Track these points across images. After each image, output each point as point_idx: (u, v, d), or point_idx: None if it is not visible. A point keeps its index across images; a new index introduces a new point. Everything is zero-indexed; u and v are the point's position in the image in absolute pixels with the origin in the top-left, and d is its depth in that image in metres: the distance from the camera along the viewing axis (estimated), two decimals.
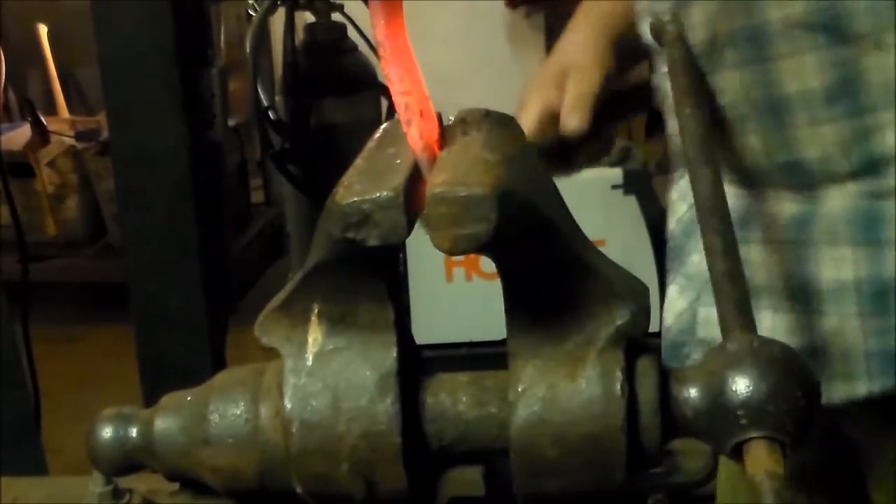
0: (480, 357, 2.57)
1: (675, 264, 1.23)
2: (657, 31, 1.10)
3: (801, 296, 1.12)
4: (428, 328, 2.55)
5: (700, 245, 1.15)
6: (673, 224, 1.24)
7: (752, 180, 1.14)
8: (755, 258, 1.14)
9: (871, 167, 1.07)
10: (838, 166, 1.08)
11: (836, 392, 1.11)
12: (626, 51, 1.32)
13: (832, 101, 1.05)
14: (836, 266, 1.11)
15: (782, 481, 0.63)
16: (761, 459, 0.64)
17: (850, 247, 1.10)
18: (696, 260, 1.19)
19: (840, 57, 1.03)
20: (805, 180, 1.11)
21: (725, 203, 0.91)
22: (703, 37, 1.08)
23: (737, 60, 1.07)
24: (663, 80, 1.23)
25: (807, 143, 1.08)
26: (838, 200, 1.11)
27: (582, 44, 1.28)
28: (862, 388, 1.11)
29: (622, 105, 1.39)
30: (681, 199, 1.23)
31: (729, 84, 1.09)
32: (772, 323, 1.13)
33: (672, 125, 1.21)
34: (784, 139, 1.10)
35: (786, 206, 1.13)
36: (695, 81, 1.02)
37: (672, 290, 1.23)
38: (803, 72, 1.05)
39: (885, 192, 1.08)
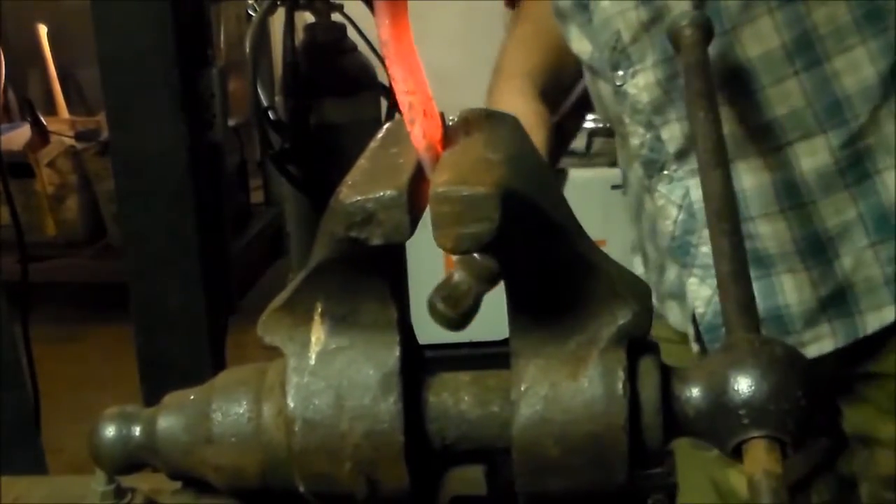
0: (481, 357, 2.57)
1: (687, 260, 1.31)
2: (674, 36, 1.11)
3: (814, 249, 1.25)
4: (429, 328, 2.55)
5: (706, 235, 1.22)
6: (670, 226, 1.31)
7: (734, 154, 1.20)
8: (762, 231, 1.25)
9: (835, 113, 1.20)
10: (805, 119, 1.20)
11: (871, 325, 1.27)
12: (556, 93, 1.44)
13: (791, 57, 1.18)
14: (837, 211, 1.23)
15: (780, 481, 0.64)
16: (761, 459, 0.65)
17: (845, 191, 1.23)
18: (705, 251, 1.28)
19: (794, 14, 1.17)
20: (777, 141, 1.23)
21: (736, 206, 0.93)
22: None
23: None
24: (595, 87, 1.38)
25: (775, 103, 1.21)
26: (812, 157, 1.22)
27: (521, 113, 1.36)
28: (890, 314, 1.26)
29: (565, 135, 1.52)
30: (669, 204, 1.31)
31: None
32: (794, 283, 1.26)
33: (633, 132, 1.32)
34: (754, 102, 1.22)
35: (766, 175, 1.24)
36: (709, 86, 1.03)
37: (692, 283, 1.31)
38: (762, 34, 1.18)
39: (855, 136, 1.21)
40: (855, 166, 1.22)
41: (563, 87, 1.47)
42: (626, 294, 0.68)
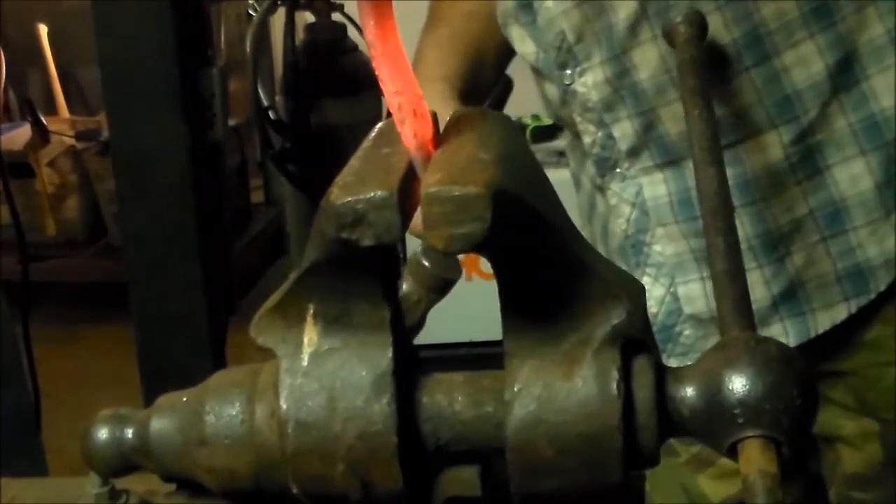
0: (479, 357, 2.57)
1: (639, 259, 1.33)
2: (669, 32, 1.12)
3: (766, 247, 1.25)
4: (427, 328, 2.55)
5: (659, 233, 1.28)
6: (623, 225, 1.32)
7: (687, 151, 1.19)
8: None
9: (785, 108, 1.21)
10: (756, 115, 1.21)
11: (822, 323, 1.27)
12: (475, 99, 1.42)
13: (740, 54, 1.19)
14: (788, 208, 1.24)
15: (776, 480, 0.63)
16: (756, 458, 0.64)
17: (796, 187, 1.23)
18: (658, 249, 1.30)
19: (742, 11, 1.16)
20: (728, 138, 1.20)
21: (730, 204, 0.93)
22: None
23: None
24: (542, 89, 1.38)
25: (725, 99, 1.20)
26: (762, 153, 1.23)
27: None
28: (842, 311, 1.26)
29: None
30: (621, 202, 1.32)
31: (647, 56, 1.20)
32: (753, 278, 1.23)
33: (585, 129, 1.32)
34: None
35: (710, 172, 1.23)
36: (703, 83, 1.04)
37: (646, 282, 1.31)
38: (713, 32, 1.16)
39: (805, 131, 1.21)
40: (805, 162, 1.23)
41: (480, 92, 1.46)
42: (620, 293, 0.68)
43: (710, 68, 1.16)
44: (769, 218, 1.24)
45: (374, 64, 0.63)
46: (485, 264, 2.56)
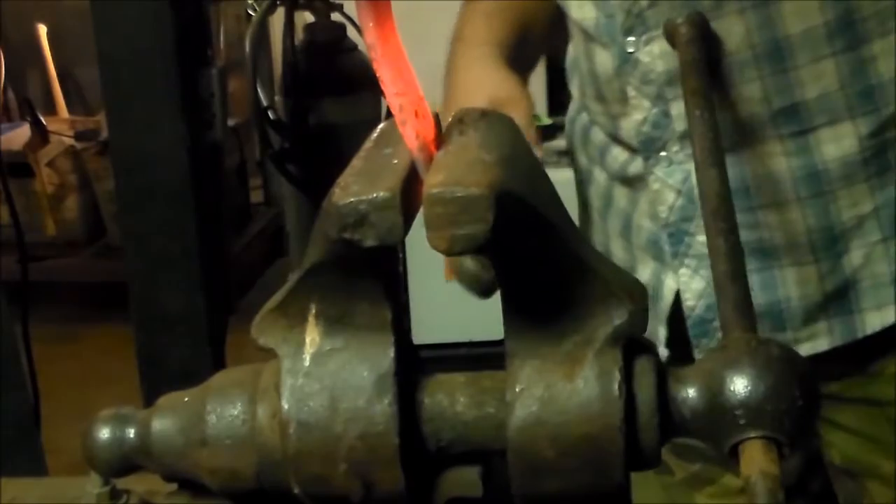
0: (480, 357, 2.57)
1: (678, 249, 1.26)
2: (670, 33, 1.11)
3: (826, 242, 1.21)
4: (427, 328, 2.55)
5: (702, 225, 1.17)
6: (665, 213, 1.26)
7: (748, 139, 1.18)
8: (770, 221, 1.20)
9: (867, 99, 1.16)
10: (836, 103, 1.16)
11: (871, 324, 1.23)
12: (519, 70, 1.35)
13: (832, 37, 1.13)
14: (854, 203, 1.19)
15: (777, 481, 0.63)
16: (757, 459, 0.64)
17: (864, 182, 1.19)
18: (702, 240, 1.20)
19: None
20: (801, 125, 1.17)
21: (731, 204, 0.92)
22: None
23: (740, 5, 1.12)
24: (588, 60, 1.29)
25: (807, 83, 1.16)
26: (837, 144, 1.18)
27: (500, 79, 1.28)
28: (891, 314, 1.22)
29: None
30: (665, 188, 1.25)
31: (733, 29, 1.14)
32: (798, 276, 1.21)
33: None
34: (784, 82, 1.16)
35: (782, 161, 1.19)
36: (705, 84, 1.04)
37: (684, 273, 1.26)
38: (806, 11, 1.12)
39: (883, 125, 1.17)
40: (878, 157, 1.19)
41: (524, 66, 1.40)
42: (622, 294, 0.68)
43: (794, 48, 1.13)
44: (833, 212, 1.20)
45: (375, 65, 0.63)
46: None
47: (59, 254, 4.23)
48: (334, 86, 2.73)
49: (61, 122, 4.53)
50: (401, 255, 1.42)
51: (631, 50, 1.21)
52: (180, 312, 2.29)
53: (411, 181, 0.64)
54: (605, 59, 1.26)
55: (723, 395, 0.67)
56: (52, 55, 4.71)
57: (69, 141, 4.33)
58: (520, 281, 0.68)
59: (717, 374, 0.67)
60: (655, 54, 1.19)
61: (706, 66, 1.08)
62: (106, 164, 3.69)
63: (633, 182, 1.30)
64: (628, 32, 1.20)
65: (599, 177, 1.37)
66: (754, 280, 1.20)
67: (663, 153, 1.23)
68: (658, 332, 1.32)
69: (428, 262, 2.56)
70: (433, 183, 0.61)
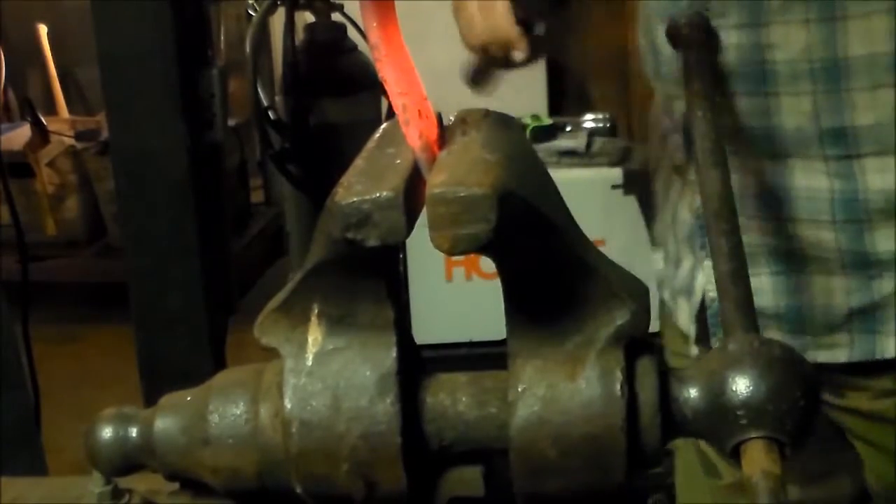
0: (480, 357, 2.57)
1: (705, 241, 1.22)
2: (674, 35, 1.10)
3: (857, 265, 1.18)
4: (428, 328, 2.55)
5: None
6: (698, 202, 1.22)
7: (792, 150, 1.15)
8: (806, 235, 1.18)
9: None
10: (888, 134, 1.12)
11: (888, 350, 1.19)
12: None
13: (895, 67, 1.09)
14: (892, 238, 1.16)
15: (778, 481, 0.63)
16: (759, 459, 0.64)
17: None
18: None
19: None
20: (848, 150, 1.14)
21: (733, 205, 0.92)
22: None
23: (806, 16, 1.09)
24: (651, 40, 1.26)
25: (860, 109, 1.12)
26: (882, 176, 1.14)
27: None
28: None
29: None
30: None
31: (791, 39, 1.10)
32: (825, 286, 1.19)
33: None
34: (837, 103, 1.12)
35: (823, 180, 1.16)
36: (707, 85, 1.03)
37: (708, 266, 1.23)
38: (872, 34, 1.08)
39: None
40: None
41: None
42: (624, 294, 0.68)
43: (855, 71, 1.09)
44: (868, 241, 1.17)
45: (379, 65, 0.63)
46: (485, 264, 2.57)
47: (59, 254, 4.23)
48: (334, 86, 2.73)
49: (61, 122, 4.53)
50: (401, 255, 1.42)
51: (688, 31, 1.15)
52: (180, 312, 2.29)
53: (414, 181, 0.64)
54: (664, 37, 1.21)
55: (724, 395, 0.67)
56: (53, 55, 4.71)
57: (69, 141, 4.33)
58: (522, 281, 0.68)
59: (718, 374, 0.67)
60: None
61: (708, 67, 1.07)
62: (106, 164, 3.69)
63: (681, 171, 1.27)
64: None
65: (664, 163, 1.34)
66: (778, 281, 1.20)
67: None
68: (689, 330, 1.31)
69: (428, 262, 2.56)
70: (436, 183, 0.61)
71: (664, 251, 1.38)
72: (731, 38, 1.13)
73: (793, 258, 1.20)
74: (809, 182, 1.16)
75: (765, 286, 1.22)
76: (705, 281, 1.26)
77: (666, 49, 1.20)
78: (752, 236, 1.19)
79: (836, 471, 1.38)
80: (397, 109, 0.63)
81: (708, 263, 1.23)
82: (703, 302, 1.28)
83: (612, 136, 2.82)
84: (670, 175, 1.31)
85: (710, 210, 0.91)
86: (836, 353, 1.21)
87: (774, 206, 1.18)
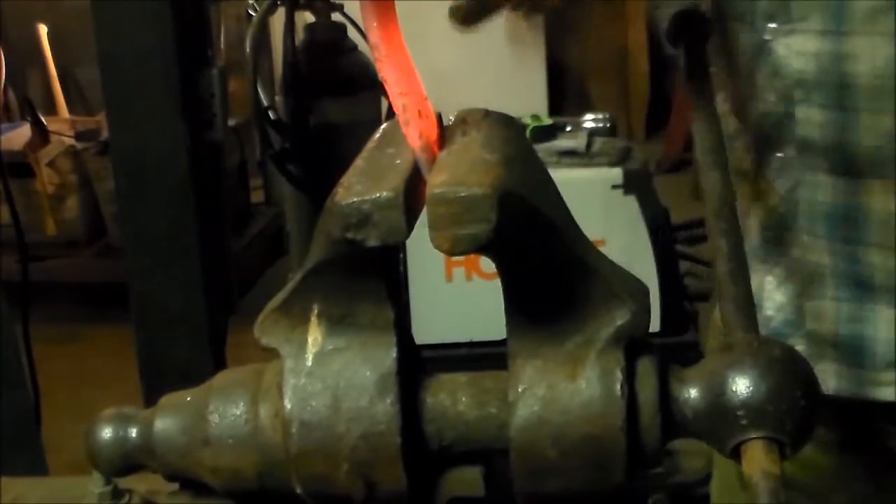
0: (480, 357, 2.57)
1: (772, 255, 1.17)
2: (674, 34, 1.09)
3: None
4: (428, 328, 2.55)
5: (803, 240, 1.13)
6: (764, 214, 1.17)
7: (868, 170, 1.08)
8: (874, 260, 1.10)
9: None
10: None
11: None
12: None
13: None
14: None
15: (779, 482, 0.63)
16: (759, 460, 0.64)
17: None
18: (796, 254, 1.15)
19: None
20: None
21: (733, 206, 0.92)
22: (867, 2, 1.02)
23: (894, 29, 1.02)
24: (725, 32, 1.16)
25: None
26: None
27: None
28: None
29: None
30: (770, 190, 1.15)
31: (877, 52, 1.04)
32: (890, 318, 1.11)
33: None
34: None
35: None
36: (709, 85, 1.03)
37: (770, 282, 1.18)
38: None
39: None
40: None
41: None
42: (624, 294, 0.68)
43: None
44: None
45: (379, 66, 0.63)
46: (485, 264, 2.56)
47: (59, 254, 4.23)
48: (334, 86, 2.73)
49: (62, 122, 4.53)
50: (401, 255, 1.42)
51: (768, 37, 1.10)
52: (180, 312, 2.30)
53: (414, 181, 0.64)
54: (740, 37, 1.15)
55: (725, 395, 0.67)
56: (53, 55, 4.71)
57: (69, 141, 4.33)
58: (522, 281, 0.68)
59: (719, 374, 0.67)
60: (792, 49, 1.08)
61: (708, 67, 1.06)
62: (106, 164, 3.69)
63: (748, 177, 1.19)
64: (770, 18, 1.10)
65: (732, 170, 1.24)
66: (841, 308, 1.14)
67: (779, 154, 1.13)
68: None
69: (428, 262, 2.56)
70: (436, 183, 0.61)
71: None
72: (809, 45, 1.06)
73: (859, 285, 1.12)
74: (885, 205, 1.08)
75: (825, 311, 1.15)
76: (767, 296, 1.19)
77: (741, 50, 1.14)
78: (818, 256, 1.13)
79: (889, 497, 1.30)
80: (397, 109, 0.63)
81: (770, 279, 1.18)
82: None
83: (612, 136, 2.82)
84: (738, 179, 1.20)
85: (710, 210, 0.90)
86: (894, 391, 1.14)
87: (844, 227, 1.10)
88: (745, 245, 1.18)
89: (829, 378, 1.14)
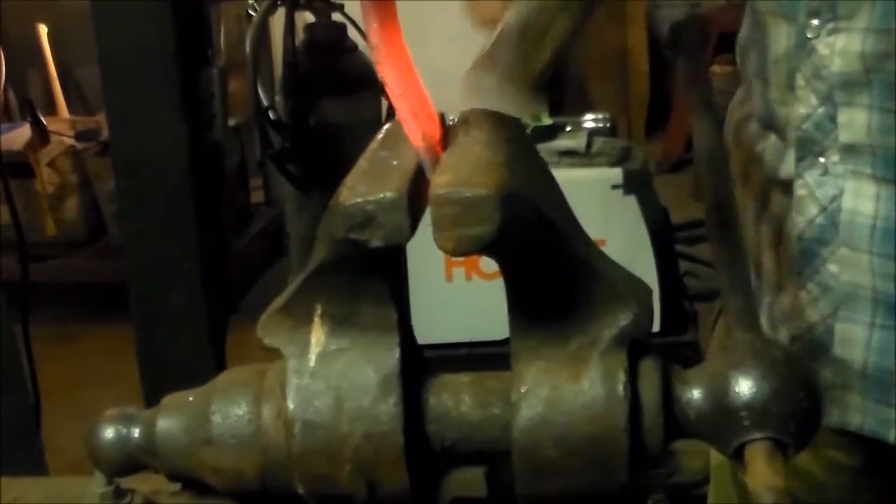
0: (480, 357, 2.57)
1: (807, 270, 1.09)
2: (673, 41, 1.09)
3: None
4: (428, 328, 2.55)
5: (842, 253, 1.06)
6: (802, 224, 1.09)
7: None
8: None
9: None
10: None
11: None
12: None
13: None
14: None
15: (782, 482, 0.63)
16: (762, 460, 0.64)
17: None
18: (833, 270, 1.08)
19: None
20: None
21: (735, 215, 0.91)
22: None
23: None
24: (761, 31, 1.12)
25: None
26: None
27: None
28: None
29: None
30: (810, 198, 1.08)
31: None
32: None
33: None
34: None
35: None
36: (707, 92, 1.02)
37: (804, 297, 1.10)
38: None
39: None
40: None
41: None
42: (627, 295, 0.68)
43: None
44: None
45: (379, 66, 0.63)
46: (485, 264, 2.56)
47: (59, 254, 4.22)
48: (334, 86, 2.73)
49: (61, 122, 4.53)
50: (401, 255, 1.42)
51: (811, 35, 1.05)
52: (181, 312, 2.30)
53: (418, 182, 0.64)
54: (779, 35, 1.10)
55: (728, 396, 0.67)
56: (53, 55, 4.70)
57: (69, 141, 4.32)
58: (525, 281, 0.68)
59: (722, 375, 0.67)
60: (835, 49, 1.03)
61: (707, 75, 1.06)
62: (106, 164, 3.68)
63: (786, 185, 1.12)
64: (813, 15, 1.05)
65: (755, 177, 1.17)
66: (875, 336, 1.06)
67: (821, 159, 1.07)
68: None
69: (428, 263, 2.56)
70: (439, 183, 0.61)
71: (755, 268, 1.18)
72: (855, 45, 1.01)
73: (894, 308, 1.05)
74: None
75: (857, 337, 1.07)
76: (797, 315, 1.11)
77: (778, 49, 1.10)
78: (857, 275, 1.06)
79: None
80: (398, 110, 0.63)
81: (804, 295, 1.10)
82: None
83: (612, 136, 2.82)
84: (768, 185, 1.16)
85: (711, 220, 0.90)
86: None
87: (888, 241, 1.04)
88: (782, 258, 1.11)
89: (854, 413, 1.08)
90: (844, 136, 1.04)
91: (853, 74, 1.02)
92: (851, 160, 1.04)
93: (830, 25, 1.03)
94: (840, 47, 1.02)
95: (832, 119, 1.05)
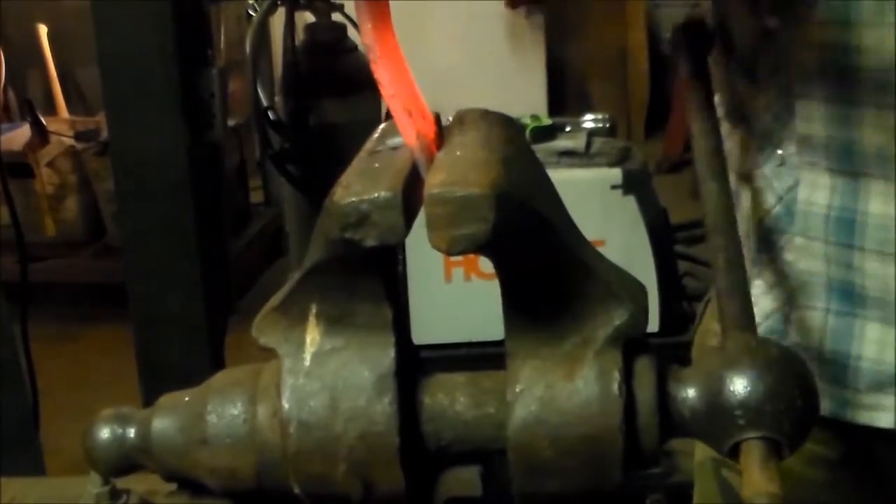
0: (479, 357, 2.57)
1: (763, 259, 1.12)
2: (675, 42, 1.08)
3: None
4: (427, 328, 2.55)
5: (797, 243, 1.07)
6: (760, 214, 1.11)
7: (864, 169, 1.03)
8: (868, 268, 1.05)
9: None
10: None
11: None
12: None
13: None
14: None
15: (777, 481, 0.63)
16: (756, 459, 0.65)
17: None
18: (789, 259, 1.09)
19: None
20: None
21: (733, 219, 0.91)
22: None
23: None
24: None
25: None
26: None
27: None
28: None
29: None
30: (768, 191, 1.10)
31: (885, 45, 0.97)
32: (879, 336, 1.06)
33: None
34: None
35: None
36: (708, 95, 1.02)
37: (758, 287, 1.11)
38: None
39: None
40: None
41: None
42: (622, 294, 0.68)
43: None
44: None
45: (373, 66, 0.63)
46: (484, 264, 2.57)
47: (59, 254, 4.23)
48: (334, 86, 2.74)
49: (61, 123, 4.53)
50: (400, 256, 1.42)
51: (771, 26, 1.04)
52: (180, 312, 2.30)
53: (413, 181, 0.64)
54: (743, 29, 1.10)
55: (722, 395, 0.67)
56: (53, 55, 4.71)
57: (69, 141, 4.32)
58: (520, 281, 0.68)
59: (716, 374, 0.67)
60: (795, 41, 1.02)
61: (710, 75, 1.05)
62: (106, 164, 3.69)
63: (749, 179, 1.13)
64: (775, 7, 1.04)
65: (731, 173, 1.16)
66: (831, 322, 1.07)
67: (779, 151, 1.08)
68: None
69: (428, 262, 2.56)
70: (434, 183, 0.61)
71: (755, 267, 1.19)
72: (815, 36, 1.00)
73: (850, 296, 1.06)
74: (885, 208, 1.02)
75: (813, 323, 1.09)
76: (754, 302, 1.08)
77: (743, 36, 1.07)
78: (812, 262, 1.07)
79: None
80: (392, 110, 0.63)
81: (758, 283, 1.12)
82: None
83: (612, 137, 2.82)
84: (738, 182, 1.16)
85: (709, 224, 0.90)
86: (880, 416, 1.08)
87: (841, 230, 1.05)
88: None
89: None
90: (802, 127, 1.04)
91: (810, 65, 1.01)
92: (807, 150, 1.05)
93: (790, 17, 1.02)
94: (800, 39, 1.01)
95: (789, 109, 1.05)
